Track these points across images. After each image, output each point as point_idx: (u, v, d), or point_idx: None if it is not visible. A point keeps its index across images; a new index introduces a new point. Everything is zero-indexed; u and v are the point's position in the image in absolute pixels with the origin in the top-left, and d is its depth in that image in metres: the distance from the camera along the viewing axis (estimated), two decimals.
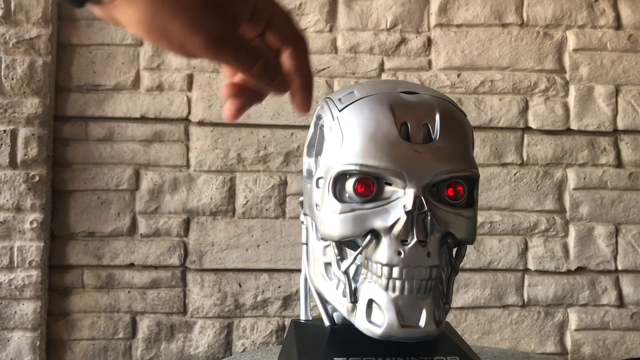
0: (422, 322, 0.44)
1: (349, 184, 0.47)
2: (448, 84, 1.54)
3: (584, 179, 1.55)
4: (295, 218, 1.53)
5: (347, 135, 0.48)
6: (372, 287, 0.45)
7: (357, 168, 0.46)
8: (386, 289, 0.44)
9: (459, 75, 1.55)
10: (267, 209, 1.52)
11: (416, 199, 0.44)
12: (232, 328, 1.51)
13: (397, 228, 0.44)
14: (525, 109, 1.55)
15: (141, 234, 1.50)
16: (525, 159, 1.55)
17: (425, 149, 0.46)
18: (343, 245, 0.48)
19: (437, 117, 0.47)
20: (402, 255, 0.44)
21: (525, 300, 1.54)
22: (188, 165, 1.52)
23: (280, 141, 1.53)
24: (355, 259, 0.47)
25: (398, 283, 0.44)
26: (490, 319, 1.54)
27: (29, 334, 1.42)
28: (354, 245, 0.48)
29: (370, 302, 0.45)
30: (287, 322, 1.52)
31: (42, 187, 1.43)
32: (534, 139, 1.55)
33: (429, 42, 1.56)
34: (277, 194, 1.52)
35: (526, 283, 1.54)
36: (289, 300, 1.52)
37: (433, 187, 0.46)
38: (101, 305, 1.48)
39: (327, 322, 0.53)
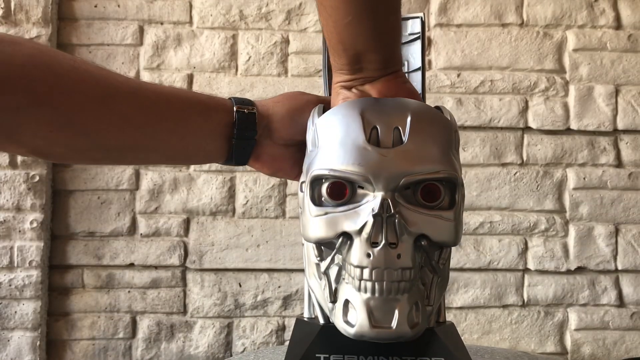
0: (393, 324, 0.44)
1: (323, 188, 0.48)
2: (448, 83, 1.54)
3: (584, 178, 1.55)
4: (295, 218, 1.53)
5: (321, 141, 0.50)
6: (348, 288, 0.46)
7: (328, 173, 0.47)
8: (359, 289, 0.45)
9: (458, 75, 1.55)
10: (267, 209, 1.52)
11: (383, 201, 0.45)
12: (232, 328, 1.51)
13: (366, 230, 0.45)
14: (525, 109, 1.55)
15: (141, 234, 1.50)
16: (525, 158, 1.55)
17: (393, 152, 0.46)
18: (323, 247, 0.49)
19: (408, 120, 0.47)
20: (372, 257, 0.44)
21: (525, 300, 1.54)
22: (188, 165, 1.52)
23: None
24: (332, 260, 0.48)
25: (369, 284, 0.45)
26: (490, 318, 1.54)
27: (29, 333, 1.42)
28: (334, 248, 0.48)
29: (347, 302, 0.46)
30: (287, 322, 1.52)
31: (42, 187, 1.43)
32: (534, 139, 1.55)
33: (429, 42, 1.55)
34: (277, 194, 1.52)
35: (526, 283, 1.54)
36: (288, 300, 1.52)
37: (407, 189, 0.47)
38: (101, 305, 1.48)
39: (322, 320, 0.53)
